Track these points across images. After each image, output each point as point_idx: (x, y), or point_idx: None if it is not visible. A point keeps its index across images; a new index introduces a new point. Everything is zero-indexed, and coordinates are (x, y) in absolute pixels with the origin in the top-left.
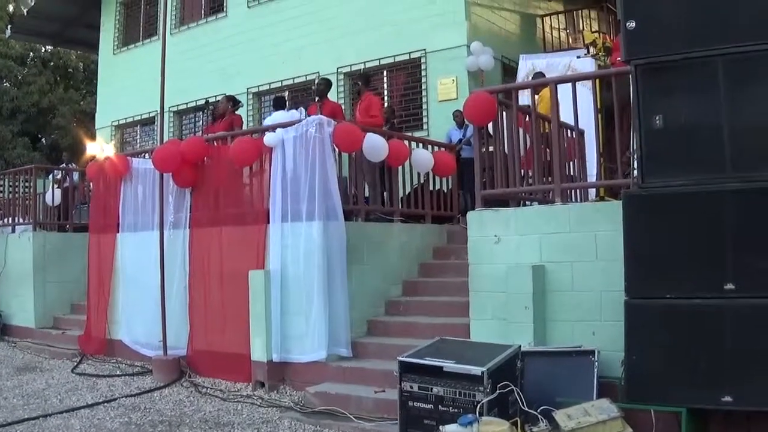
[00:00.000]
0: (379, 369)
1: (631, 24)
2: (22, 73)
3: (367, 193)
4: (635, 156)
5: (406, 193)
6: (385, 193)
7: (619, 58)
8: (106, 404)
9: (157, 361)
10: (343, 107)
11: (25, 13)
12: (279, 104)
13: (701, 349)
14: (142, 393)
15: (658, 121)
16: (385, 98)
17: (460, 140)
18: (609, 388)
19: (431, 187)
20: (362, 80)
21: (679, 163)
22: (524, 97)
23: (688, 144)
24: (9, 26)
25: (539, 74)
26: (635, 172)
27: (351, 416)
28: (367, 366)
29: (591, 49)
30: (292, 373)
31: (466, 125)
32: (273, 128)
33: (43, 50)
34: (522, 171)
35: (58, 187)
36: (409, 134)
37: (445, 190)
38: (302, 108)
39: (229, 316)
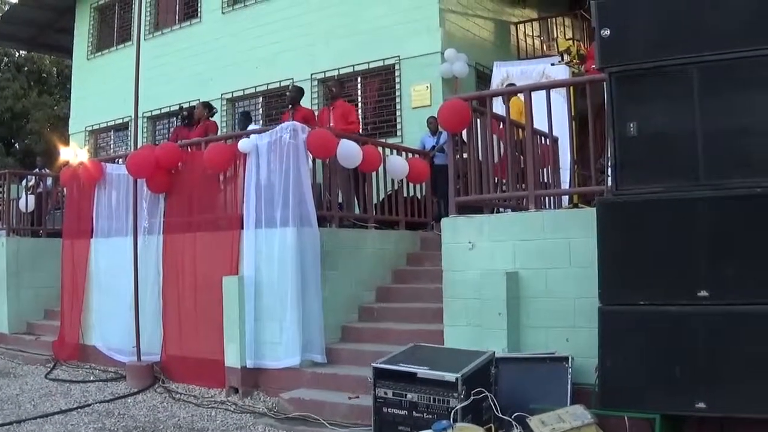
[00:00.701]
0: (353, 375)
1: (606, 32)
2: None
3: (341, 199)
4: (609, 163)
5: (380, 199)
6: (358, 200)
7: (593, 66)
8: (79, 410)
9: (131, 367)
10: (316, 114)
11: None
12: (245, 119)
13: (675, 356)
14: (116, 399)
15: (632, 129)
16: (359, 104)
17: (434, 147)
18: (583, 394)
19: (405, 194)
20: (336, 87)
21: (653, 171)
22: (498, 104)
23: (662, 151)
24: None
25: (512, 85)
26: (609, 179)
27: (325, 422)
28: (341, 372)
29: (565, 57)
30: (266, 379)
31: (439, 132)
32: (247, 134)
33: (17, 55)
34: (496, 178)
35: (31, 193)
36: (383, 140)
37: (419, 197)
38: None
39: (203, 322)
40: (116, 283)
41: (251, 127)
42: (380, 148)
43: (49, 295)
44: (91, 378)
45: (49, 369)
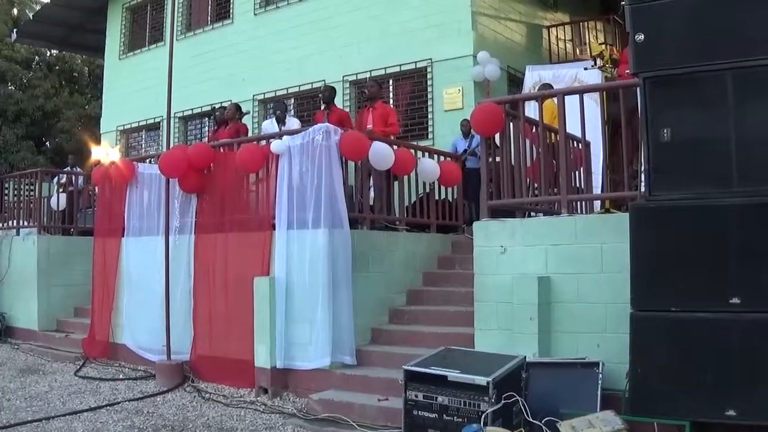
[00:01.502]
0: (382, 377)
1: (640, 37)
2: (27, 76)
3: (372, 201)
4: (642, 169)
5: (412, 202)
6: (390, 202)
7: (627, 71)
8: (108, 408)
9: (161, 366)
10: (352, 115)
11: (31, 18)
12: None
13: (706, 363)
14: (145, 397)
15: (665, 135)
16: (391, 107)
17: (465, 150)
18: (613, 400)
19: (436, 197)
20: (375, 88)
21: (686, 177)
22: (530, 108)
23: (696, 157)
24: (14, 30)
25: (546, 85)
26: (642, 184)
27: (354, 424)
28: (371, 374)
29: (598, 61)
30: (295, 380)
31: (472, 135)
32: (280, 135)
33: (48, 54)
34: (528, 179)
35: (62, 192)
36: (415, 143)
37: (450, 200)
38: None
39: (233, 322)
40: (147, 282)
41: (288, 119)
42: (412, 151)
43: (79, 293)
44: (121, 376)
45: (78, 366)
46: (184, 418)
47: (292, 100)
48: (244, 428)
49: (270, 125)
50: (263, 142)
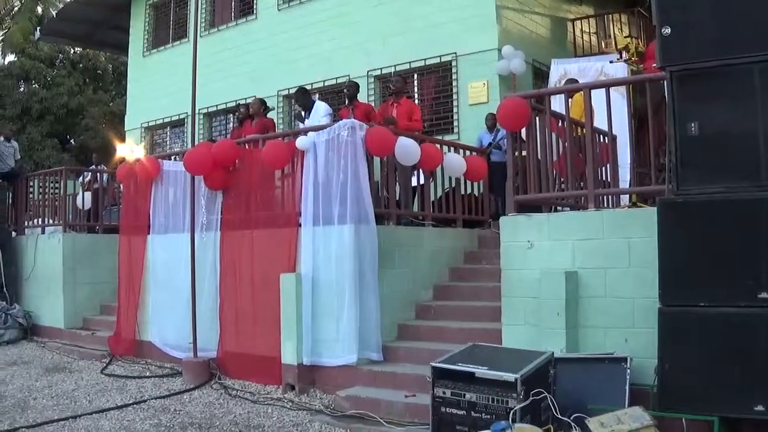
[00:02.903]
0: (409, 373)
1: (667, 30)
2: (51, 74)
3: (398, 196)
4: (670, 163)
5: (438, 197)
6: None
7: (654, 65)
8: (135, 405)
9: (187, 363)
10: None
11: (54, 16)
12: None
13: (734, 358)
14: (172, 395)
15: (693, 129)
16: (416, 101)
17: (490, 144)
18: (641, 395)
19: (462, 191)
20: (399, 83)
21: (715, 171)
22: (556, 102)
23: (724, 151)
24: (38, 28)
25: (572, 80)
26: (670, 179)
27: (382, 420)
28: (398, 370)
29: (624, 54)
30: (322, 377)
31: (497, 129)
32: (305, 131)
33: (72, 51)
34: (555, 171)
35: (87, 190)
36: (440, 137)
37: (476, 195)
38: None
39: (260, 319)
40: (173, 280)
41: (315, 105)
42: (438, 145)
43: (104, 291)
44: (147, 374)
45: (104, 364)
46: (211, 416)
47: (317, 96)
48: (272, 425)
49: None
50: (288, 139)
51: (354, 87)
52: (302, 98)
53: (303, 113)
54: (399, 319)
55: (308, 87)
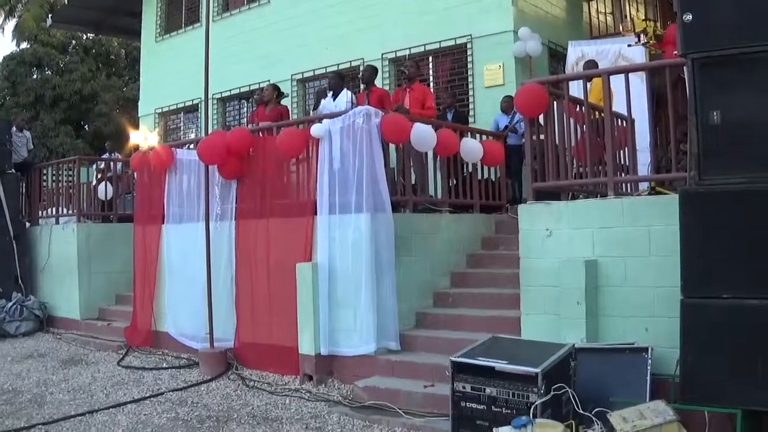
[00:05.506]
0: (428, 363)
1: (688, 16)
2: (64, 60)
3: (414, 181)
4: (691, 151)
5: (454, 182)
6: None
7: (675, 52)
8: (152, 399)
9: (204, 354)
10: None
11: (66, 2)
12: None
13: (758, 351)
14: (189, 387)
15: (715, 117)
16: (431, 84)
17: (506, 126)
18: (662, 385)
19: (479, 176)
20: (413, 68)
21: (738, 161)
22: (574, 86)
23: (747, 141)
24: (50, 15)
25: (591, 61)
26: (691, 166)
27: (400, 411)
28: (416, 360)
29: (642, 37)
30: (340, 367)
31: (513, 111)
32: (320, 119)
33: (84, 37)
34: (573, 159)
35: (100, 178)
36: (456, 124)
37: (493, 179)
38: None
39: (276, 309)
40: (188, 270)
41: (345, 94)
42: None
43: (120, 281)
44: (164, 365)
45: (121, 356)
46: (228, 408)
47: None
48: (290, 417)
49: (328, 103)
50: (303, 126)
51: (371, 71)
52: (334, 80)
53: (329, 93)
54: (417, 307)
55: (322, 71)
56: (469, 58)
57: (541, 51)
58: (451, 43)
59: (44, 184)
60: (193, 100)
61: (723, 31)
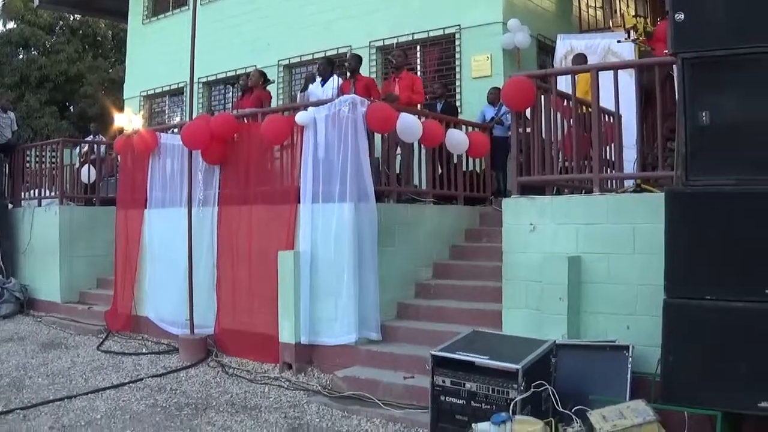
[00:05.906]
0: (409, 354)
1: (680, 16)
2: (50, 41)
3: (399, 171)
4: (679, 152)
5: (439, 173)
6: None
7: (665, 51)
8: (131, 384)
9: (184, 340)
10: (378, 83)
11: None
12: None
13: (740, 353)
14: (169, 373)
15: (704, 118)
16: (418, 74)
17: (492, 118)
18: (642, 383)
19: (464, 168)
20: (401, 57)
21: (726, 162)
22: (562, 80)
23: (736, 142)
24: None
25: (580, 55)
26: (677, 166)
27: (380, 402)
28: (397, 351)
29: (632, 34)
30: (320, 356)
31: (500, 103)
32: (305, 106)
33: (71, 18)
34: (559, 153)
35: (84, 160)
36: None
37: (478, 171)
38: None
39: (258, 296)
40: (170, 255)
41: (333, 81)
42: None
43: (102, 264)
44: (144, 350)
45: (101, 340)
46: (207, 396)
47: (318, 67)
48: (269, 406)
49: (316, 88)
50: (288, 113)
51: (356, 60)
52: (324, 66)
53: (317, 78)
54: (398, 297)
55: (309, 57)
56: (457, 49)
57: (530, 43)
58: (440, 32)
59: (27, 165)
60: (178, 84)
61: (714, 31)
